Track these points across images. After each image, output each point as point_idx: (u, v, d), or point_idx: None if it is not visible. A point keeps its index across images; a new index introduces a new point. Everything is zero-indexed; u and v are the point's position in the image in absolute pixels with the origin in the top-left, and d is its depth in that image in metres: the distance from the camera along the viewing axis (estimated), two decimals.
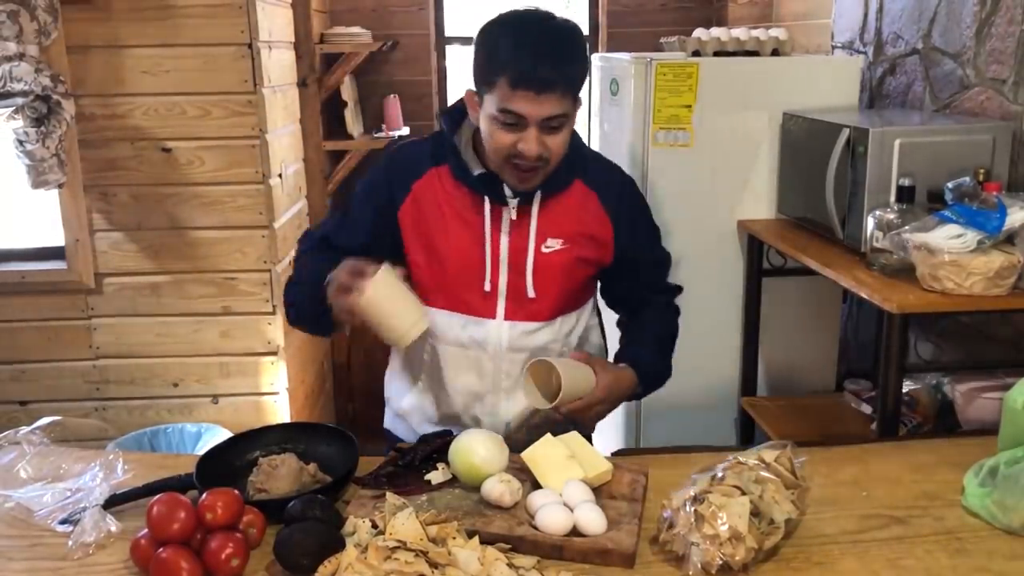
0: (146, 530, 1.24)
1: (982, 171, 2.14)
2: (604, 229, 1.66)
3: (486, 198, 1.59)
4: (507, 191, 1.58)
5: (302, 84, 3.39)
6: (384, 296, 1.42)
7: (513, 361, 1.64)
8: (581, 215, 1.64)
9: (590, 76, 3.29)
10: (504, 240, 1.60)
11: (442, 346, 1.66)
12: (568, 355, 1.68)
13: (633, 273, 1.72)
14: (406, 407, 1.77)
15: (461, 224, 1.61)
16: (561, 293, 1.64)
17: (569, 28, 1.52)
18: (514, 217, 1.60)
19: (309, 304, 1.55)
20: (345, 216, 1.69)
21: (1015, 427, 1.43)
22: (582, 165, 1.66)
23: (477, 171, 1.59)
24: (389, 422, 1.84)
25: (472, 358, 1.64)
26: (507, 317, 1.62)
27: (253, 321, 2.87)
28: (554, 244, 1.61)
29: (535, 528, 1.28)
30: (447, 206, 1.62)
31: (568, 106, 1.49)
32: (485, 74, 1.49)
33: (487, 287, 1.61)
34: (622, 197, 1.69)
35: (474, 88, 1.54)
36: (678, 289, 1.86)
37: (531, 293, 1.61)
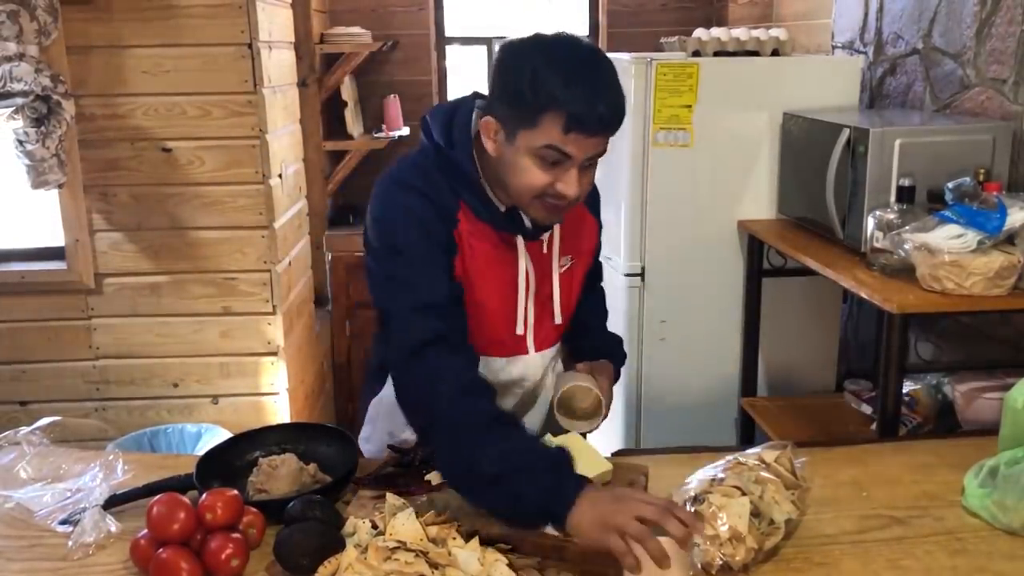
0: (146, 530, 1.24)
1: (982, 171, 2.14)
2: (591, 233, 1.64)
3: (519, 237, 1.47)
4: (527, 221, 1.46)
5: (302, 84, 3.39)
6: None
7: (546, 382, 1.64)
8: (580, 228, 1.60)
9: None
10: (529, 270, 1.51)
11: None
12: (561, 358, 1.69)
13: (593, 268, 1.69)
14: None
15: (496, 266, 1.47)
16: (573, 310, 1.62)
17: (607, 58, 1.36)
18: (545, 251, 1.53)
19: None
20: (420, 274, 1.38)
21: (1016, 427, 1.43)
22: None
23: (504, 207, 1.45)
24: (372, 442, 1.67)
25: (513, 394, 1.61)
26: (537, 348, 1.58)
27: (253, 321, 2.87)
28: (565, 262, 1.56)
29: None
30: (480, 250, 1.45)
31: (607, 143, 1.37)
32: (526, 110, 1.31)
33: (519, 329, 1.53)
34: (596, 197, 1.64)
35: (493, 116, 1.36)
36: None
37: (558, 319, 1.57)
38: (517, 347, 1.56)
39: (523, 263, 1.49)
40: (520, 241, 1.48)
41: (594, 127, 1.31)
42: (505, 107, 1.35)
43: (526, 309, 1.52)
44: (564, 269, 1.56)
